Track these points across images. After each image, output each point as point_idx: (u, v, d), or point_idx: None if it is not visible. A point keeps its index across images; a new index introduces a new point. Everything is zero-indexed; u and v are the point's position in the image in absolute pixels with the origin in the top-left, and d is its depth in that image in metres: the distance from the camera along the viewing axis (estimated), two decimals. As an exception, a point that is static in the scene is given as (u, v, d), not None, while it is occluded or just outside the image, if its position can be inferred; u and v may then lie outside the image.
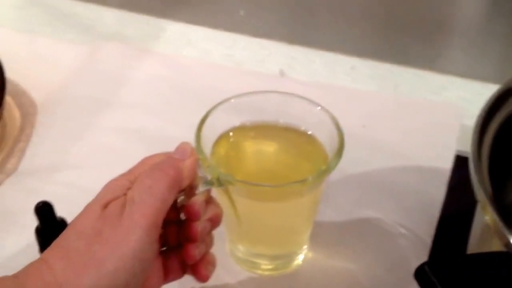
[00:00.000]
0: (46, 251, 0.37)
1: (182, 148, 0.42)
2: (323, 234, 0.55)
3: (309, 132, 0.50)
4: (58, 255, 0.36)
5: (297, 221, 0.49)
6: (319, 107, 0.48)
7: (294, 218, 0.49)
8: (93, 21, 0.80)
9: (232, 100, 0.50)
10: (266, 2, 0.78)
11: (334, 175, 0.59)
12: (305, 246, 0.52)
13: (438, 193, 0.58)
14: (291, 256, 0.52)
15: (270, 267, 0.52)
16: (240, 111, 0.50)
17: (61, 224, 0.46)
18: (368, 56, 0.76)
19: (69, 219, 0.46)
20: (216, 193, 0.48)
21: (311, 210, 0.49)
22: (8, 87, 0.67)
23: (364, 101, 0.69)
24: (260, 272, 0.52)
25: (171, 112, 0.65)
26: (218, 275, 0.51)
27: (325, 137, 0.48)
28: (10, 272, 0.47)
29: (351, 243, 0.54)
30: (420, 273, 0.37)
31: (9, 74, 0.68)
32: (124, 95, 0.68)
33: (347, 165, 0.60)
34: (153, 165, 0.40)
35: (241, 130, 0.50)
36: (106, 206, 0.38)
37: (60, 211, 0.47)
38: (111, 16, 0.81)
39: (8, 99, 0.67)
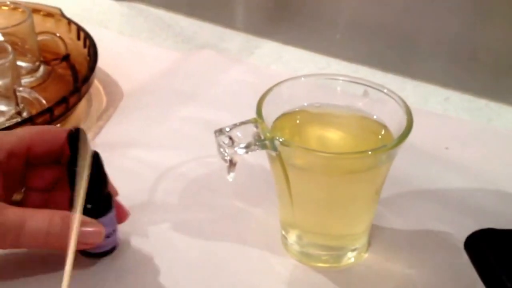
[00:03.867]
0: None
1: None
2: (384, 238, 0.51)
3: (380, 121, 0.48)
4: None
5: (351, 203, 0.46)
6: (386, 89, 0.46)
7: (349, 199, 0.46)
8: (194, 33, 0.83)
9: (302, 79, 0.49)
10: (364, 28, 0.77)
11: (410, 187, 0.56)
12: (358, 245, 0.49)
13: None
14: (342, 250, 0.48)
15: (320, 258, 0.49)
16: (309, 91, 0.49)
17: (94, 155, 0.42)
18: (464, 90, 0.73)
19: (132, 191, 0.47)
20: (270, 164, 0.47)
21: (368, 196, 0.46)
22: (101, 77, 0.71)
23: (451, 126, 0.66)
24: (312, 263, 0.49)
25: (246, 111, 0.65)
26: (269, 263, 0.49)
27: (395, 124, 0.46)
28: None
29: (414, 250, 0.50)
30: (470, 241, 0.33)
31: (105, 67, 0.72)
32: (205, 92, 0.69)
33: (425, 181, 0.58)
34: None
35: (308, 111, 0.49)
36: None
37: (125, 183, 0.47)
38: (212, 31, 0.83)
39: (98, 86, 0.70)
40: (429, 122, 0.66)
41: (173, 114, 0.65)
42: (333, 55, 0.78)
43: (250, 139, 0.43)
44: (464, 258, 0.49)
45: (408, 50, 0.76)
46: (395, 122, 0.45)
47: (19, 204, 0.44)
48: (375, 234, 0.51)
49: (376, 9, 0.76)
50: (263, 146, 0.43)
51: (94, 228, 0.42)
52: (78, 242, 0.40)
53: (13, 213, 0.40)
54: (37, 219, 0.40)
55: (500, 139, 0.64)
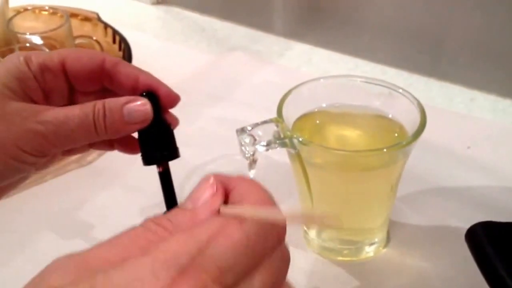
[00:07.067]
0: None
1: None
2: (403, 234, 0.53)
3: (396, 120, 0.49)
4: None
5: (367, 198, 0.48)
6: (401, 90, 0.48)
7: (365, 194, 0.48)
8: (226, 36, 0.86)
9: (321, 81, 0.51)
10: (392, 31, 0.79)
11: (430, 185, 0.58)
12: (376, 240, 0.51)
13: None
14: (361, 244, 0.50)
15: (339, 252, 0.51)
16: (328, 93, 0.51)
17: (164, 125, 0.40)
18: (490, 91, 0.74)
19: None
20: (290, 162, 0.49)
21: (384, 192, 0.48)
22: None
23: (474, 126, 0.67)
24: (332, 257, 0.51)
25: (274, 112, 0.67)
26: (291, 257, 0.51)
27: (410, 123, 0.47)
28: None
29: (431, 246, 0.52)
30: (471, 233, 0.35)
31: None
32: (234, 92, 0.72)
33: (445, 179, 0.59)
34: None
35: (327, 112, 0.51)
36: None
37: (155, 180, 0.49)
38: (244, 34, 0.86)
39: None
40: (453, 122, 0.67)
41: (202, 114, 0.68)
42: (361, 57, 0.80)
43: (270, 138, 0.45)
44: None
45: (434, 52, 0.78)
46: (410, 121, 0.47)
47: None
48: (395, 229, 0.53)
49: (404, 11, 0.77)
50: (283, 145, 0.45)
51: (140, 103, 0.39)
52: (127, 123, 0.39)
53: (54, 112, 0.38)
54: (79, 111, 0.38)
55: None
